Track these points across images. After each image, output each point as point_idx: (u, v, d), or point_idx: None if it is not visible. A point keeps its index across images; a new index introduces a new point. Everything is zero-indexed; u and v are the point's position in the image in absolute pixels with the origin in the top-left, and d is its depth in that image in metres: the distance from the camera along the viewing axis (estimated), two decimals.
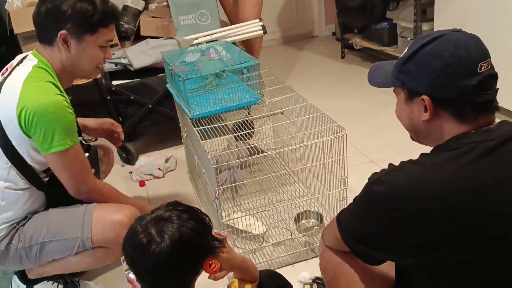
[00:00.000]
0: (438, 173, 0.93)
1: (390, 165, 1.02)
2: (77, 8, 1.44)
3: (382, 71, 1.12)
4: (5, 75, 1.50)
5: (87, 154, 1.66)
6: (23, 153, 1.46)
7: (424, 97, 0.98)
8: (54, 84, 1.45)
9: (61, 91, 1.46)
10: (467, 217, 0.90)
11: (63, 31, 1.45)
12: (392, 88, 1.09)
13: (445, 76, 0.95)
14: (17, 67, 1.49)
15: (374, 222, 0.99)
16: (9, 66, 1.54)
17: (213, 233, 1.10)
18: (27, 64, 1.48)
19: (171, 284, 1.04)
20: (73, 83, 1.66)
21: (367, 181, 1.02)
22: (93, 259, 1.56)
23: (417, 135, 1.09)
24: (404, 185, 0.94)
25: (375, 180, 0.99)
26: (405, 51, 1.04)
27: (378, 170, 1.02)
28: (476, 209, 0.91)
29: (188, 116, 1.81)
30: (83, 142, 1.70)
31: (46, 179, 1.55)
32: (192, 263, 1.04)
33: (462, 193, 0.91)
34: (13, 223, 1.52)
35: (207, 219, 1.09)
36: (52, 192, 1.56)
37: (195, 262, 1.05)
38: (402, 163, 1.00)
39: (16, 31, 2.67)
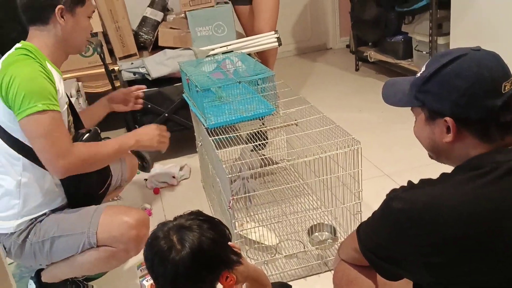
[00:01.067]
0: (458, 194, 0.92)
1: (410, 182, 1.02)
2: None
3: (398, 88, 1.10)
4: None
5: (87, 134, 1.62)
6: (25, 140, 1.48)
7: (448, 118, 0.96)
8: (29, 55, 1.49)
9: (40, 62, 1.48)
10: (486, 238, 0.89)
11: (60, 6, 1.53)
12: (410, 108, 1.08)
13: (469, 97, 0.93)
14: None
15: (392, 238, 0.98)
16: None
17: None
18: (12, 49, 1.56)
19: None
20: (93, 91, 1.71)
21: (384, 195, 1.02)
22: (97, 259, 1.57)
23: (437, 155, 1.07)
24: (423, 203, 0.93)
25: (394, 197, 0.98)
26: (423, 69, 1.02)
27: (393, 184, 1.03)
28: (496, 230, 0.90)
29: (204, 126, 1.83)
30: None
31: None
32: (210, 274, 1.05)
33: (482, 214, 0.90)
34: (32, 219, 1.56)
35: (227, 231, 1.11)
36: (68, 181, 1.56)
37: (213, 273, 1.06)
38: (422, 181, 0.99)
39: None
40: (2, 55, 3.07)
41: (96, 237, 1.52)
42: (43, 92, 1.44)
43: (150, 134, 1.78)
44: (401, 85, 1.10)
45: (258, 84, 1.93)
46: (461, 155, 0.99)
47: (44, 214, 1.58)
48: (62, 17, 1.54)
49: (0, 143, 1.50)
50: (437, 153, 1.06)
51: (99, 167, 1.60)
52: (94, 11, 1.67)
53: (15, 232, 1.55)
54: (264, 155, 1.79)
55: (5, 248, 1.57)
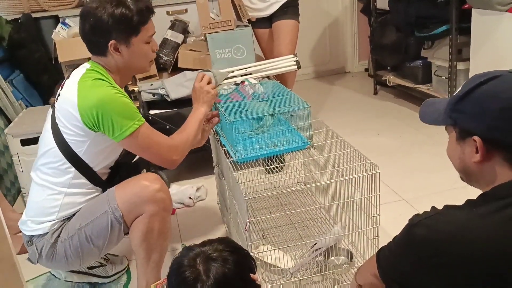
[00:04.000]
0: (483, 224, 0.90)
1: (433, 208, 1.00)
2: (117, 16, 1.53)
3: (436, 108, 1.09)
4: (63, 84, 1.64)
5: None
6: (84, 156, 1.57)
7: (476, 138, 0.95)
8: (104, 80, 1.55)
9: (111, 83, 1.56)
10: (510, 272, 0.87)
11: (111, 42, 1.55)
12: (444, 127, 1.07)
13: (503, 120, 0.92)
14: (74, 71, 1.62)
15: (412, 265, 0.96)
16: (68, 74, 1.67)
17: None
18: (81, 68, 1.61)
19: None
20: None
21: (401, 220, 1.01)
22: (144, 235, 1.59)
23: (467, 177, 1.05)
24: (447, 231, 0.91)
25: (416, 223, 0.96)
26: (459, 89, 1.02)
27: (411, 209, 1.02)
28: None
29: (234, 159, 1.77)
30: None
31: (106, 176, 1.67)
32: None
33: (507, 247, 0.88)
34: (65, 218, 1.62)
35: (253, 263, 1.11)
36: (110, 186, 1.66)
37: None
38: (447, 207, 0.98)
39: (60, 60, 2.81)
40: (26, 74, 3.16)
41: (120, 210, 1.56)
42: (130, 111, 1.54)
43: (200, 89, 1.83)
44: (439, 104, 1.09)
45: (291, 115, 1.86)
46: (490, 178, 0.97)
47: (74, 214, 1.63)
48: (117, 50, 1.57)
49: (57, 153, 1.58)
50: (467, 174, 1.04)
51: (193, 145, 1.77)
52: (154, 33, 1.65)
53: (48, 232, 1.60)
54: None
55: (37, 250, 1.61)
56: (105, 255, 1.92)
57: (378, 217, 1.65)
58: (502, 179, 0.96)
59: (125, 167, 1.74)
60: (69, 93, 1.55)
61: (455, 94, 1.03)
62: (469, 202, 0.97)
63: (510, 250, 0.88)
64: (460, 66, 3.10)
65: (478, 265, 0.88)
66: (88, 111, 1.50)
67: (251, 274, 1.11)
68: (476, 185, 1.05)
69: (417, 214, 0.99)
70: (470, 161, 0.99)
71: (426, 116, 1.12)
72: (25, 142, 2.48)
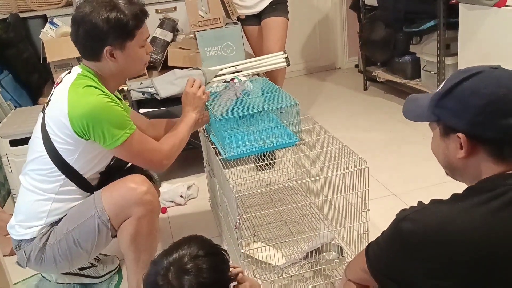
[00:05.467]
0: (468, 216, 0.91)
1: (420, 203, 1.01)
2: (112, 21, 1.49)
3: (419, 104, 1.10)
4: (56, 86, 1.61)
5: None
6: (74, 164, 1.56)
7: (460, 134, 0.96)
8: (95, 87, 1.52)
9: (103, 91, 1.53)
10: (495, 263, 0.88)
11: (107, 48, 1.52)
12: (428, 123, 1.08)
13: (484, 115, 0.93)
14: (65, 77, 1.60)
15: (400, 259, 0.98)
16: (62, 75, 1.64)
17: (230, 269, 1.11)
18: (73, 73, 1.58)
19: None
20: None
21: (392, 215, 1.02)
22: (133, 237, 1.58)
23: (453, 172, 1.06)
24: (433, 225, 0.92)
25: (403, 218, 0.97)
26: (442, 85, 1.02)
27: (400, 204, 1.03)
28: (505, 255, 0.89)
29: (223, 156, 1.77)
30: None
31: (96, 182, 1.66)
32: None
33: (492, 239, 0.89)
34: (53, 222, 1.61)
35: (226, 256, 1.10)
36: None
37: None
38: (433, 202, 0.99)
39: (49, 59, 2.78)
40: (15, 75, 3.13)
41: (106, 213, 1.55)
42: (121, 120, 1.53)
43: (192, 95, 1.80)
44: (422, 100, 1.10)
45: (280, 112, 1.85)
46: (475, 173, 0.98)
47: (62, 218, 1.62)
48: (112, 56, 1.54)
49: (47, 161, 1.56)
50: (451, 169, 1.05)
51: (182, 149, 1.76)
52: (148, 37, 1.63)
53: (36, 237, 1.59)
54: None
55: (25, 254, 1.60)
56: (96, 255, 1.91)
57: (367, 212, 1.66)
58: (487, 173, 0.97)
59: (118, 173, 1.72)
60: (59, 101, 1.52)
61: (437, 90, 1.03)
62: (455, 196, 0.98)
63: (495, 241, 0.89)
64: (448, 61, 3.12)
65: (464, 257, 0.89)
66: (79, 120, 1.47)
67: (231, 263, 1.11)
68: (461, 179, 1.06)
69: (404, 209, 1.01)
70: (455, 157, 1.00)
71: (409, 112, 1.13)
72: (14, 143, 2.46)
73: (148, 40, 1.63)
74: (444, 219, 0.92)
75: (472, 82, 0.96)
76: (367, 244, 1.15)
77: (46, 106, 1.60)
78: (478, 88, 0.94)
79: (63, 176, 1.57)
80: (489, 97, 0.93)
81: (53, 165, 1.55)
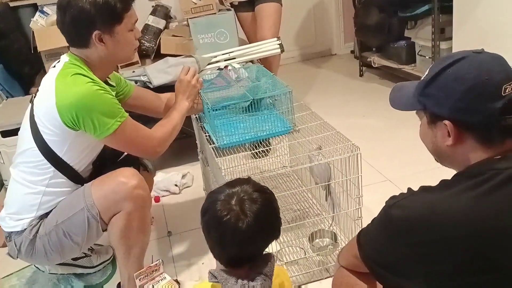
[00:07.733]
0: (457, 201, 0.91)
1: (409, 189, 1.01)
2: (99, 4, 1.46)
3: (404, 92, 1.09)
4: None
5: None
6: (64, 156, 1.54)
7: (446, 122, 0.95)
8: (84, 75, 1.49)
9: (92, 79, 1.50)
10: (484, 247, 0.88)
11: (96, 32, 1.49)
12: (415, 111, 1.07)
13: (468, 100, 0.92)
14: (54, 66, 1.57)
15: (391, 246, 0.98)
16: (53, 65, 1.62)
17: None
18: (60, 62, 1.55)
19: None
20: None
21: (384, 203, 1.01)
22: (123, 232, 1.56)
23: (441, 159, 1.06)
24: (422, 211, 0.92)
25: (392, 204, 0.98)
26: (426, 73, 1.02)
27: (395, 189, 1.02)
28: (494, 238, 0.88)
29: (216, 145, 1.77)
30: None
31: (89, 173, 1.65)
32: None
33: (481, 221, 0.88)
34: (43, 214, 1.59)
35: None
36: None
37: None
38: (422, 188, 0.99)
39: (39, 49, 2.75)
40: (7, 65, 3.08)
41: (96, 207, 1.53)
42: (112, 108, 1.50)
43: (187, 83, 1.79)
44: (407, 89, 1.09)
45: (275, 99, 1.85)
46: (463, 159, 0.98)
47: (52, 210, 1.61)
48: (101, 41, 1.51)
49: (37, 153, 1.53)
50: (440, 157, 1.05)
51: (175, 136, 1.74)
52: (136, 20, 1.59)
53: (26, 229, 1.57)
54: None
55: (15, 246, 1.59)
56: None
57: (360, 198, 1.66)
58: (475, 159, 0.96)
59: (112, 164, 1.70)
60: (47, 91, 1.49)
61: (422, 78, 1.02)
62: (444, 182, 0.98)
63: (483, 225, 0.88)
64: (443, 45, 3.10)
65: (453, 241, 0.89)
66: (68, 110, 1.44)
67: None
68: (450, 166, 1.05)
69: (393, 196, 1.01)
70: (443, 145, 0.99)
71: (396, 101, 1.12)
72: (5, 134, 2.45)
73: (136, 23, 1.60)
74: (432, 205, 0.92)
75: (456, 68, 0.95)
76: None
77: (34, 97, 1.57)
78: (461, 74, 0.94)
79: (53, 168, 1.54)
80: (472, 81, 0.92)
81: (43, 157, 1.53)
